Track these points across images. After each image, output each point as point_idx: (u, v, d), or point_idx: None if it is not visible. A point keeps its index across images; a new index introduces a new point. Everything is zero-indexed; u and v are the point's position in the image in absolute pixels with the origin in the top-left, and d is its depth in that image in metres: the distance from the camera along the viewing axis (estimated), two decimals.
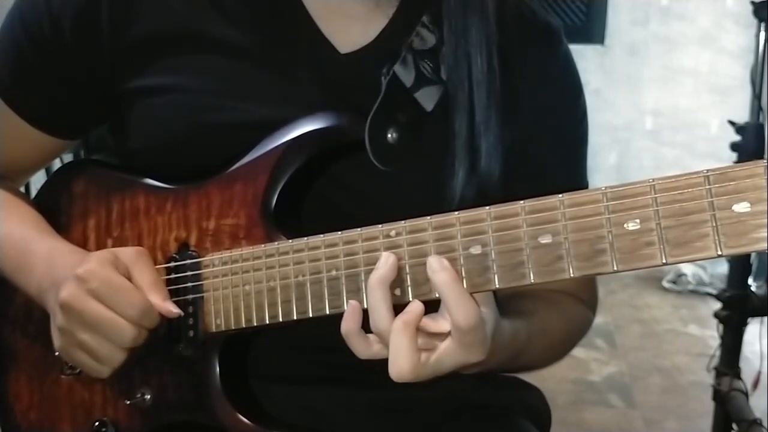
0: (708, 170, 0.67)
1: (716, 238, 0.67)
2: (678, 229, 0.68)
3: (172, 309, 0.90)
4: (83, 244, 1.02)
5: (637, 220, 0.69)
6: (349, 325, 0.81)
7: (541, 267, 0.74)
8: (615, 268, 0.71)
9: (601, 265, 0.71)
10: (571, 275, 0.72)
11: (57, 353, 0.98)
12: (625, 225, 0.70)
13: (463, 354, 0.79)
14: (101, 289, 0.88)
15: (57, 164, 1.46)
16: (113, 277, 0.88)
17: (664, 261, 0.69)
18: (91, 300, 0.88)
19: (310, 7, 0.99)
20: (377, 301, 0.79)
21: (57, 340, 0.93)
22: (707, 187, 0.67)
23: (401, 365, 0.78)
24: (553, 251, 0.73)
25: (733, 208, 0.66)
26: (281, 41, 0.98)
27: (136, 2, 0.98)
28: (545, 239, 0.73)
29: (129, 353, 0.90)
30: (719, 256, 0.67)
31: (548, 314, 1.01)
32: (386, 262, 0.79)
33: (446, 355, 0.79)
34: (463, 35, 0.96)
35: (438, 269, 0.77)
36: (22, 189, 1.20)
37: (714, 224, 0.67)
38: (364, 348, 0.82)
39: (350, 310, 0.81)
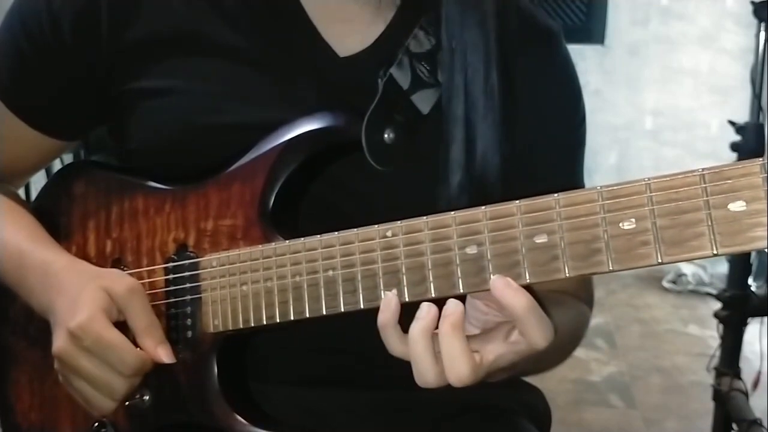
0: (703, 169, 0.67)
1: (712, 237, 0.67)
2: (673, 228, 0.68)
3: (164, 358, 0.90)
4: (83, 246, 1.02)
5: (633, 220, 0.69)
6: (385, 316, 0.78)
7: (537, 267, 0.74)
8: (610, 268, 0.70)
9: (597, 264, 0.71)
10: (567, 275, 0.72)
11: None
12: (621, 224, 0.70)
13: (510, 358, 0.79)
14: (93, 348, 0.88)
15: (57, 165, 1.46)
16: (105, 334, 0.88)
17: (659, 260, 0.69)
18: (83, 357, 0.89)
19: (310, 11, 0.99)
20: (422, 352, 0.77)
21: (59, 376, 0.95)
22: (703, 185, 0.67)
23: (460, 370, 0.76)
24: (548, 251, 0.73)
25: (729, 206, 0.66)
26: (281, 44, 0.98)
27: (136, 4, 0.98)
28: (541, 239, 0.73)
29: (121, 401, 0.92)
30: (715, 255, 0.67)
31: (554, 314, 1.01)
32: (428, 312, 0.77)
33: (500, 357, 0.78)
34: (460, 48, 0.96)
35: (509, 290, 0.74)
36: (22, 190, 1.20)
37: (709, 223, 0.67)
38: (398, 344, 0.79)
39: (386, 301, 0.78)
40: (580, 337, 1.09)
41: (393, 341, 0.79)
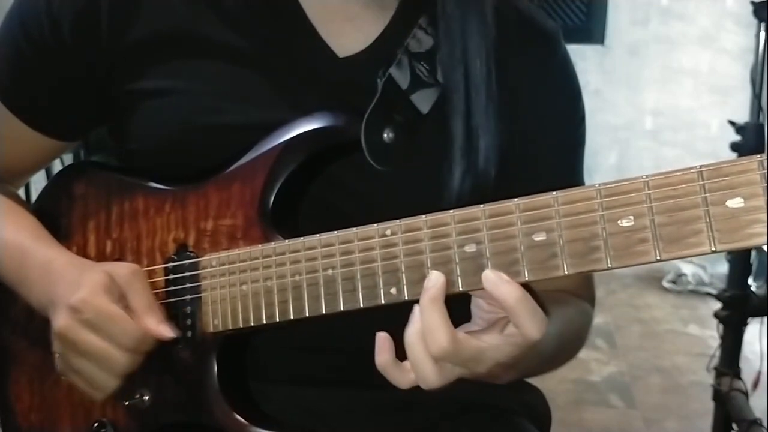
0: (701, 166, 0.67)
1: (710, 233, 0.67)
2: (672, 226, 0.68)
3: (166, 333, 0.90)
4: (83, 246, 1.02)
5: (631, 217, 0.70)
6: (383, 358, 0.79)
7: (536, 264, 0.74)
8: (609, 265, 0.71)
9: (595, 262, 0.71)
10: (566, 272, 0.72)
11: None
12: (619, 222, 0.70)
13: (509, 350, 0.78)
14: (95, 320, 0.88)
15: (57, 165, 1.46)
16: (106, 306, 0.89)
17: (657, 257, 0.69)
18: (84, 331, 0.89)
19: (309, 11, 0.99)
20: (420, 355, 0.76)
21: (56, 362, 0.94)
22: (701, 182, 0.67)
23: (439, 340, 0.75)
24: (547, 249, 0.73)
25: (727, 203, 0.66)
26: (280, 45, 0.99)
27: (135, 4, 0.98)
28: (539, 237, 0.73)
29: (123, 379, 0.91)
30: (713, 251, 0.67)
31: (557, 313, 1.01)
32: (437, 281, 0.77)
33: (495, 348, 0.78)
34: (461, 39, 0.96)
35: (501, 283, 0.74)
36: (22, 190, 1.21)
37: (708, 220, 0.67)
38: (402, 377, 0.79)
39: (380, 342, 0.79)
40: (584, 335, 1.09)
41: (397, 376, 0.79)
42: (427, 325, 0.76)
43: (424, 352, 0.76)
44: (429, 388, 0.78)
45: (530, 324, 0.75)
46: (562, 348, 1.02)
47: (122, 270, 0.92)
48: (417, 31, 0.97)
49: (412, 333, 0.77)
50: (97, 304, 0.88)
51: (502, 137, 0.97)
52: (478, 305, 0.81)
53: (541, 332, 0.76)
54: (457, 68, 0.96)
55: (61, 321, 0.90)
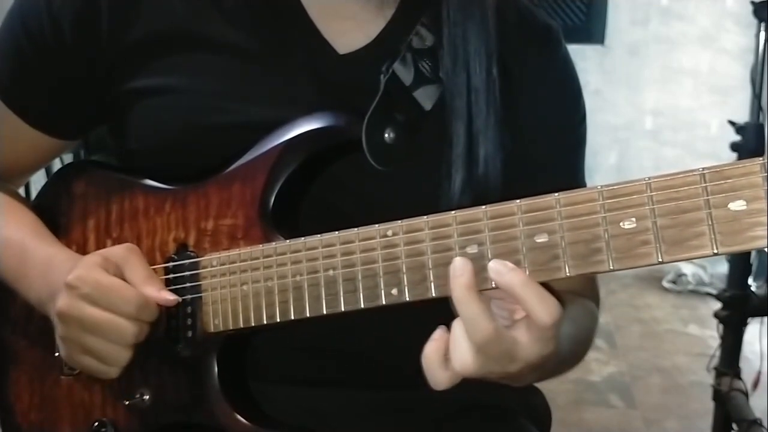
0: (704, 168, 0.67)
1: (712, 236, 0.67)
2: (674, 228, 0.68)
3: (168, 297, 0.90)
4: (83, 246, 1.02)
5: (633, 219, 0.70)
6: (434, 346, 0.77)
7: (538, 266, 0.74)
8: (611, 267, 0.71)
9: (597, 263, 0.71)
10: (567, 274, 0.72)
11: (57, 354, 0.98)
12: (621, 224, 0.70)
13: (538, 347, 0.77)
14: (94, 293, 0.88)
15: (57, 164, 1.46)
16: (103, 278, 0.89)
17: (659, 260, 0.69)
18: (86, 305, 0.88)
19: (309, 9, 0.99)
20: (476, 310, 0.74)
21: (62, 349, 0.93)
22: (703, 185, 0.67)
23: (483, 329, 0.74)
24: (549, 250, 0.73)
25: (729, 206, 0.66)
26: (280, 42, 0.99)
27: (135, 3, 0.98)
28: (541, 238, 0.73)
29: (133, 350, 0.91)
30: (715, 254, 0.67)
31: (570, 314, 1.00)
32: (464, 267, 0.75)
33: (519, 345, 0.76)
34: (462, 44, 0.96)
35: (505, 271, 0.74)
36: (22, 189, 1.21)
37: (710, 222, 0.67)
38: (441, 373, 0.77)
39: (441, 332, 0.77)
40: (592, 335, 1.09)
41: (436, 369, 0.77)
42: (468, 316, 0.74)
43: (467, 343, 0.75)
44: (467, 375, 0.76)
45: (540, 308, 0.74)
46: (575, 349, 1.02)
47: (117, 249, 0.93)
48: (419, 29, 0.97)
49: (459, 286, 0.75)
50: (93, 276, 0.89)
51: (504, 139, 0.97)
52: (497, 305, 0.80)
53: (552, 317, 0.74)
54: (460, 74, 0.95)
55: (60, 302, 0.90)
